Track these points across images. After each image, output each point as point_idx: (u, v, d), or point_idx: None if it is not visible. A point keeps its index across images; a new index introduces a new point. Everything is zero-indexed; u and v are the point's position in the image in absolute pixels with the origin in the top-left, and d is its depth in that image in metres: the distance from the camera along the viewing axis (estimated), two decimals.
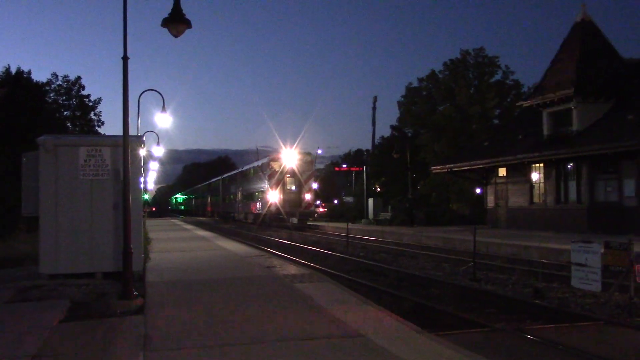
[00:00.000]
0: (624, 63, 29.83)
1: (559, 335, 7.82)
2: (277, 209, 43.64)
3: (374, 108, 47.73)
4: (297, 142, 46.37)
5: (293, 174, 44.55)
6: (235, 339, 7.04)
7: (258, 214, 48.41)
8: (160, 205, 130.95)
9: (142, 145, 13.68)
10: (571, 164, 27.42)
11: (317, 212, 47.80)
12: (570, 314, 9.73)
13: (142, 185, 14.75)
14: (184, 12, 10.34)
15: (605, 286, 10.46)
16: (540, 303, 10.91)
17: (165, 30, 10.39)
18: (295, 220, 42.64)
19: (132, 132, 12.26)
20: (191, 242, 23.71)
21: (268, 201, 44.41)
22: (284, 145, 46.55)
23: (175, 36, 10.42)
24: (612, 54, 29.94)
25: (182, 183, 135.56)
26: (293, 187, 44.93)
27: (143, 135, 20.80)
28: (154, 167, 48.54)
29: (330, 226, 42.74)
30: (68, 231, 11.79)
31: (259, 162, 49.66)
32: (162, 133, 36.58)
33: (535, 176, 30.36)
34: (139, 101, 23.70)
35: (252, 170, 53.21)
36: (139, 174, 12.81)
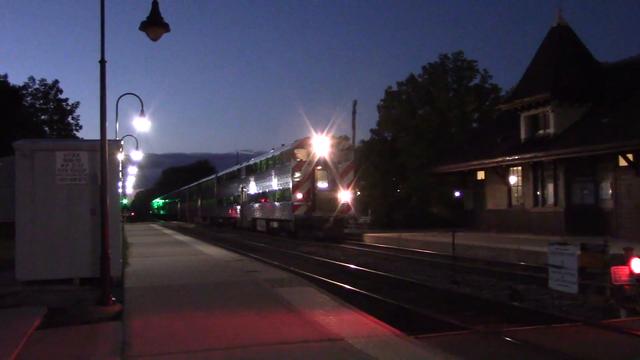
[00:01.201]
0: (599, 67, 30.27)
1: (537, 337, 7.90)
2: (307, 212, 32.89)
3: (354, 112, 47.72)
4: (328, 127, 35.20)
5: (325, 165, 33.39)
6: (215, 344, 7.01)
7: (275, 221, 38.00)
8: (140, 210, 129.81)
9: (120, 150, 13.58)
10: (548, 167, 27.73)
11: (355, 218, 35.59)
12: (547, 315, 9.83)
13: (120, 190, 14.64)
14: (162, 15, 10.29)
15: (581, 288, 10.57)
16: (518, 305, 11.02)
17: (144, 33, 10.35)
18: (329, 226, 32.29)
19: (110, 136, 12.19)
20: (171, 247, 23.56)
21: (292, 203, 33.47)
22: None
23: (154, 40, 10.37)
24: (588, 58, 30.37)
25: (162, 187, 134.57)
26: (325, 184, 33.68)
27: (121, 140, 20.64)
28: (132, 171, 48.10)
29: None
30: (45, 237, 11.64)
31: (278, 151, 37.92)
32: (141, 137, 36.58)
33: (513, 179, 30.66)
34: (117, 105, 23.58)
35: (266, 163, 40.97)
36: (117, 179, 12.72)
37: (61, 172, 11.85)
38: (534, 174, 28.83)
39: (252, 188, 43.79)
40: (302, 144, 34.50)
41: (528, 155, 27.78)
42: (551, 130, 27.95)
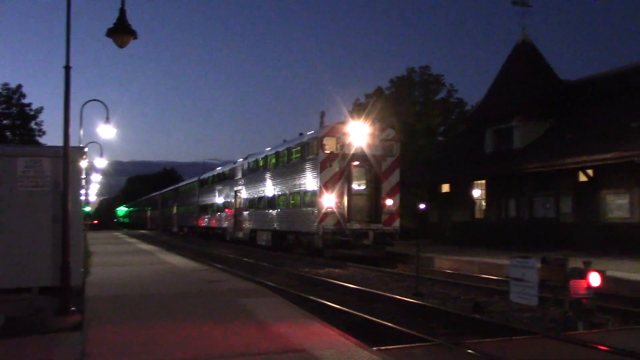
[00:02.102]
0: (561, 84, 30.98)
1: (498, 349, 8.00)
2: (339, 223, 24.42)
3: (322, 123, 47.89)
4: (365, 115, 27.25)
5: (364, 160, 25.23)
6: (176, 356, 6.94)
7: (290, 234, 28.80)
8: (104, 218, 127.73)
9: (84, 157, 13.38)
10: (511, 181, 28.20)
11: (398, 232, 25.65)
12: (508, 327, 9.98)
13: (83, 198, 14.42)
14: (129, 22, 10.22)
15: (541, 300, 10.76)
16: (480, 317, 11.15)
17: (111, 40, 10.26)
18: (368, 242, 24.37)
19: (74, 143, 12.02)
20: (134, 256, 23.25)
21: (317, 210, 24.84)
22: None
23: (120, 47, 10.29)
24: (551, 74, 31.08)
25: (126, 195, 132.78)
26: (363, 186, 25.58)
27: (85, 147, 20.36)
28: (96, 179, 47.45)
29: None
30: (4, 244, 11.38)
31: (295, 141, 29.01)
32: (106, 144, 36.10)
33: (477, 192, 31.08)
34: (81, 111, 23.24)
35: (274, 158, 31.88)
36: (79, 186, 12.52)
37: (22, 179, 11.62)
38: (498, 188, 29.29)
39: (252, 191, 35.02)
40: (333, 131, 25.69)
41: (491, 170, 28.24)
42: (515, 145, 28.46)
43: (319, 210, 24.61)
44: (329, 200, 24.42)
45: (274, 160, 31.95)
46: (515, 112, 28.41)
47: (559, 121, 28.02)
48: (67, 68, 10.02)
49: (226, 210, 41.36)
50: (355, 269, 21.23)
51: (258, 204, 33.76)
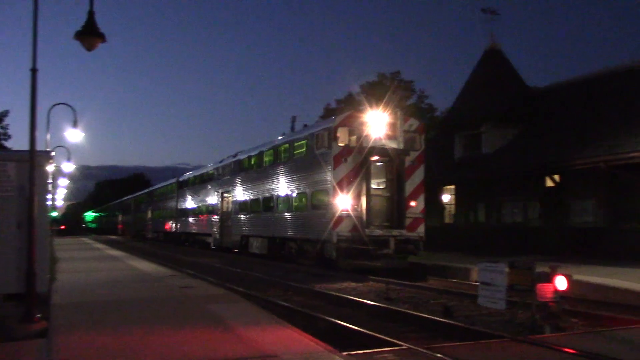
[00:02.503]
0: (529, 90, 31.51)
1: (467, 353, 8.08)
2: (355, 229, 20.72)
3: (293, 128, 47.65)
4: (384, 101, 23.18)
5: (384, 155, 21.46)
6: None
7: (294, 241, 24.93)
8: (71, 224, 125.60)
9: (51, 161, 13.17)
10: (480, 186, 28.53)
11: (423, 240, 21.90)
12: (477, 331, 10.07)
13: (49, 203, 14.18)
14: (98, 25, 10.10)
15: (509, 304, 10.90)
16: (449, 321, 11.24)
17: (79, 42, 10.13)
18: (389, 251, 20.67)
19: (40, 147, 11.81)
20: (102, 263, 22.92)
21: (330, 213, 21.00)
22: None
23: (89, 50, 10.17)
24: (519, 81, 31.61)
25: (95, 200, 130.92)
26: (383, 184, 21.93)
27: (52, 151, 20.05)
28: (63, 183, 46.75)
29: None
30: None
31: (302, 133, 25.52)
32: (73, 148, 35.42)
33: (447, 197, 31.37)
34: (48, 115, 22.90)
35: (272, 153, 27.59)
36: (46, 191, 12.31)
37: None
38: (467, 193, 29.61)
39: (244, 193, 30.95)
40: (348, 120, 21.81)
41: (461, 175, 28.55)
42: (484, 150, 28.82)
43: (333, 214, 20.74)
44: (344, 202, 20.65)
45: (270, 157, 27.95)
46: (484, 119, 28.79)
47: (527, 127, 28.47)
48: (34, 71, 9.86)
49: (210, 214, 37.18)
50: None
51: (251, 207, 29.85)
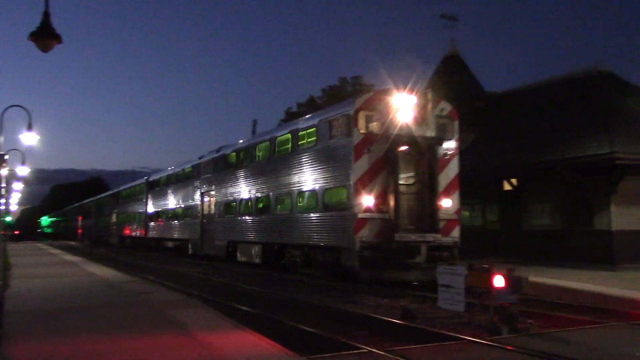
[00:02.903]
0: (487, 95, 32.05)
1: (426, 355, 8.16)
2: (381, 233, 17.30)
3: (254, 132, 47.10)
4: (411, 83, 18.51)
5: (413, 145, 18.16)
6: None
7: (297, 248, 21.14)
8: (26, 229, 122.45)
9: (4, 164, 12.85)
10: None
11: (458, 245, 18.32)
12: (436, 334, 10.17)
13: (2, 207, 13.82)
14: (54, 26, 9.90)
15: (468, 306, 11.05)
16: (409, 324, 11.32)
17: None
18: (421, 260, 16.97)
19: None
20: (59, 268, 22.44)
21: (351, 215, 17.53)
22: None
23: (44, 51, 9.96)
24: (477, 86, 32.13)
25: (51, 204, 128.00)
26: (411, 180, 18.32)
27: (6, 154, 19.52)
28: (18, 187, 45.59)
29: None
30: None
31: (316, 118, 20.72)
32: (29, 152, 34.48)
33: None
34: (2, 118, 22.27)
35: (279, 142, 23.17)
36: None
37: None
38: None
39: (231, 192, 26.94)
40: (372, 103, 18.14)
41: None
42: None
43: (354, 216, 17.14)
44: (368, 202, 17.15)
45: (265, 151, 24.15)
46: None
47: (486, 131, 28.92)
48: None
49: (188, 217, 33.06)
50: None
51: (241, 209, 25.83)
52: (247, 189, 25.32)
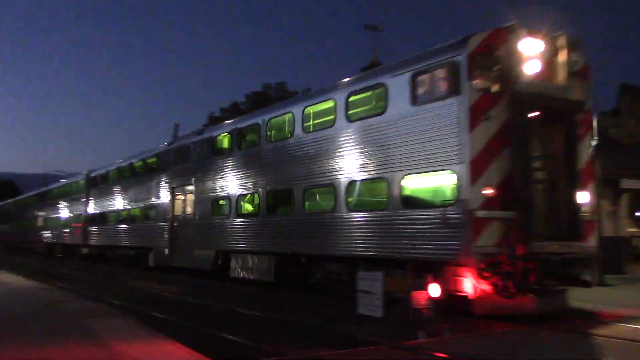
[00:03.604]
0: None
1: None
2: (506, 239, 11.41)
3: (176, 136, 46.37)
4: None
5: (547, 111, 12.46)
6: None
7: (363, 262, 13.91)
8: None
9: None
10: None
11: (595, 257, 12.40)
12: (357, 339, 10.36)
13: None
14: None
15: (387, 311, 11.32)
16: (332, 330, 11.47)
17: None
18: (554, 280, 11.80)
19: None
20: None
21: (464, 212, 11.52)
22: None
23: None
24: None
25: None
26: (538, 163, 12.63)
27: None
28: None
29: None
30: None
31: (397, 70, 13.76)
32: None
33: None
34: None
35: (316, 112, 16.82)
36: None
37: None
38: None
39: (222, 184, 20.63)
40: (488, 45, 12.27)
41: None
42: None
43: (468, 214, 11.52)
44: (489, 192, 11.64)
45: (279, 130, 18.43)
46: None
47: None
48: None
49: (151, 220, 26.46)
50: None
51: (238, 208, 19.69)
52: (251, 180, 19.01)
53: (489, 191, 11.63)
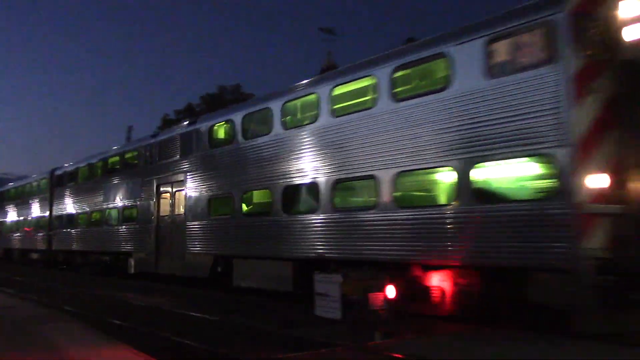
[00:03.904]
0: None
1: None
2: (619, 240, 9.11)
3: (129, 138, 45.08)
4: None
5: None
6: None
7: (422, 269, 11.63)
8: None
9: None
10: None
11: None
12: (315, 342, 10.39)
13: None
14: None
15: (344, 314, 11.38)
16: (289, 333, 11.47)
17: None
18: None
19: None
20: None
21: (567, 206, 9.09)
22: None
23: None
24: None
25: None
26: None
27: None
28: None
29: None
30: None
31: (466, 37, 11.09)
32: None
33: None
34: None
35: (376, 82, 12.84)
36: None
37: None
38: None
39: (224, 182, 17.98)
40: (590, 3, 9.90)
41: None
42: None
43: (576, 209, 9.19)
44: (600, 182, 9.43)
45: (296, 113, 16.13)
46: None
47: None
48: None
49: (131, 221, 23.63)
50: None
51: (244, 207, 17.38)
52: (261, 174, 16.31)
53: (601, 180, 9.38)
